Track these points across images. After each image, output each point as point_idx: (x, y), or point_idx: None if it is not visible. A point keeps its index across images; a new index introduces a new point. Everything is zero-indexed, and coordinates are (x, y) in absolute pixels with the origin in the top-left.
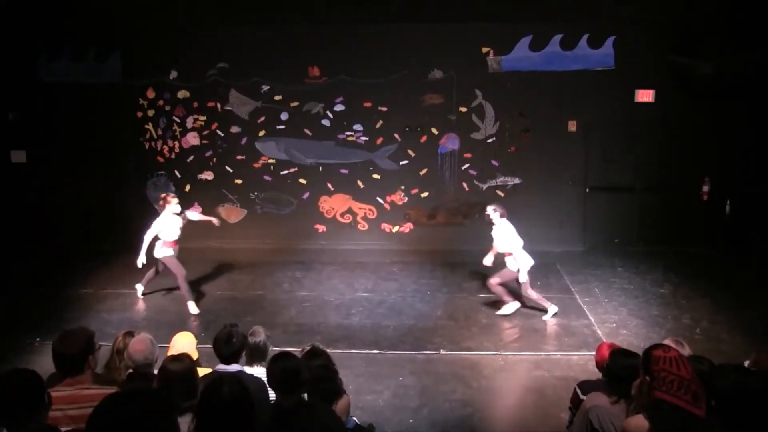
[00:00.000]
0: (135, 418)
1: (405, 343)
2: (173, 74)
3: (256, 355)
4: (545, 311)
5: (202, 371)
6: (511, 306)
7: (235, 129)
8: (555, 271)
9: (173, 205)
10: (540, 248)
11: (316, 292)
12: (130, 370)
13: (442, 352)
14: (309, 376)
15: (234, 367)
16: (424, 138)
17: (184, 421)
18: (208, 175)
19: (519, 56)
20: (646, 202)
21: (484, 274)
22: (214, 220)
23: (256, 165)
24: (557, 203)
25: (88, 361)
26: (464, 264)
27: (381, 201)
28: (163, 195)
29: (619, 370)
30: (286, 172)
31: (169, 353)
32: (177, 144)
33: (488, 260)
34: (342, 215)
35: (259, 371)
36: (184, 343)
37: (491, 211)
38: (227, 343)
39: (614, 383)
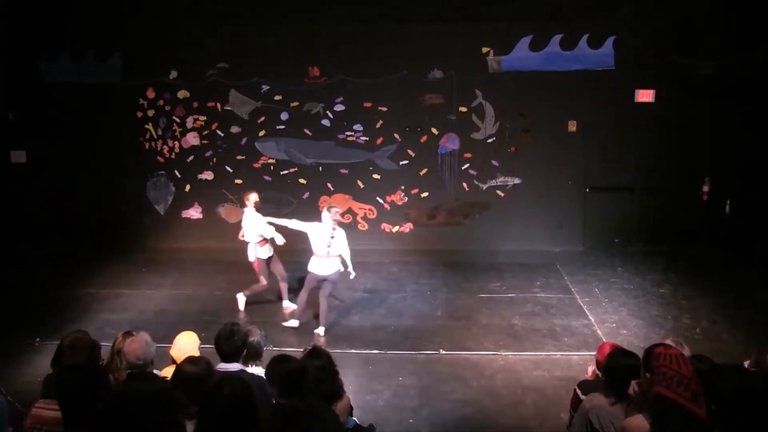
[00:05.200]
0: (140, 417)
1: (405, 343)
2: (173, 74)
3: (252, 355)
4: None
5: None
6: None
7: (235, 129)
8: (555, 271)
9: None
10: (540, 248)
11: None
12: (130, 370)
13: (442, 352)
14: (309, 377)
15: (234, 366)
16: (424, 138)
17: (190, 423)
18: (208, 175)
19: (519, 56)
20: (646, 202)
21: (484, 274)
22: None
23: (256, 165)
24: (557, 203)
25: None
26: (464, 264)
27: (381, 201)
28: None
29: (617, 369)
30: (286, 172)
31: (171, 352)
32: (177, 144)
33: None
34: (342, 215)
35: (257, 371)
36: (187, 342)
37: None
38: (229, 340)
39: (612, 383)
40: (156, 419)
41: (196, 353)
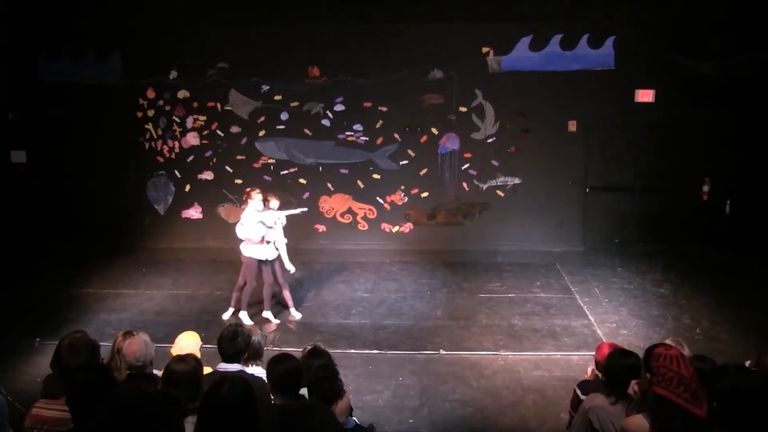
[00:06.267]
0: (145, 418)
1: (405, 343)
2: (173, 74)
3: (252, 355)
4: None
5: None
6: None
7: (235, 129)
8: (555, 271)
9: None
10: (540, 248)
11: (316, 292)
12: (129, 371)
13: (442, 352)
14: (309, 376)
15: (235, 366)
16: (424, 138)
17: (188, 422)
18: (208, 175)
19: (519, 56)
20: (646, 202)
21: (484, 274)
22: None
23: (256, 165)
24: (557, 203)
25: None
26: (464, 264)
27: (381, 201)
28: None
29: (616, 370)
30: (286, 172)
31: (173, 351)
32: (177, 144)
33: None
34: (342, 215)
35: (257, 371)
36: (188, 342)
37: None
38: (232, 341)
39: (612, 383)
40: (160, 421)
41: (198, 353)
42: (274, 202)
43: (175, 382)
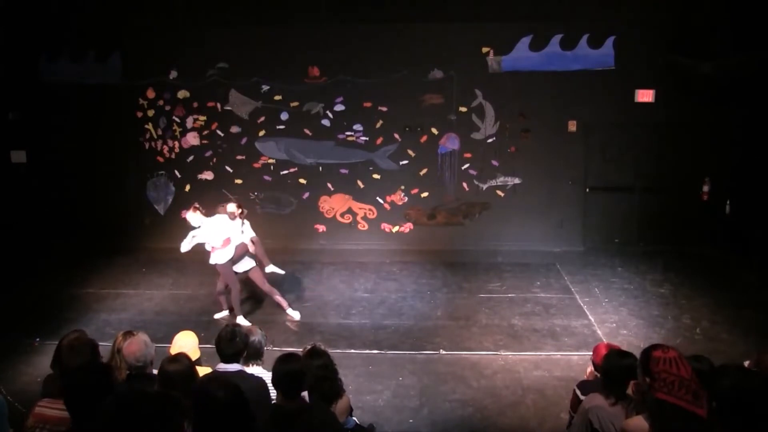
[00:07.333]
0: (144, 419)
1: (405, 343)
2: (173, 74)
3: (252, 355)
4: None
5: (202, 371)
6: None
7: (235, 129)
8: (555, 271)
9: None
10: (540, 248)
11: (316, 292)
12: (129, 372)
13: (442, 352)
14: (309, 377)
15: (234, 367)
16: (424, 138)
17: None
18: (208, 175)
19: (519, 56)
20: (646, 202)
21: (484, 274)
22: None
23: (256, 165)
24: (557, 203)
25: None
26: (464, 264)
27: (381, 201)
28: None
29: (614, 371)
30: (286, 172)
31: (171, 351)
32: (177, 144)
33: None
34: (342, 215)
35: (257, 370)
36: (187, 342)
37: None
38: (230, 342)
39: (610, 384)
40: (160, 421)
41: (197, 353)
42: (231, 205)
43: (170, 382)
